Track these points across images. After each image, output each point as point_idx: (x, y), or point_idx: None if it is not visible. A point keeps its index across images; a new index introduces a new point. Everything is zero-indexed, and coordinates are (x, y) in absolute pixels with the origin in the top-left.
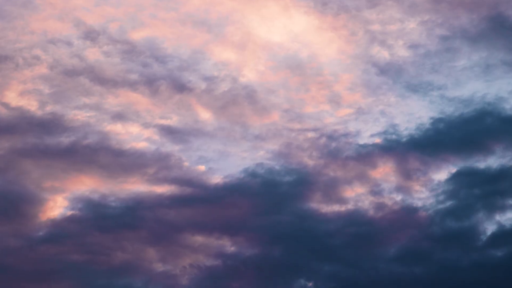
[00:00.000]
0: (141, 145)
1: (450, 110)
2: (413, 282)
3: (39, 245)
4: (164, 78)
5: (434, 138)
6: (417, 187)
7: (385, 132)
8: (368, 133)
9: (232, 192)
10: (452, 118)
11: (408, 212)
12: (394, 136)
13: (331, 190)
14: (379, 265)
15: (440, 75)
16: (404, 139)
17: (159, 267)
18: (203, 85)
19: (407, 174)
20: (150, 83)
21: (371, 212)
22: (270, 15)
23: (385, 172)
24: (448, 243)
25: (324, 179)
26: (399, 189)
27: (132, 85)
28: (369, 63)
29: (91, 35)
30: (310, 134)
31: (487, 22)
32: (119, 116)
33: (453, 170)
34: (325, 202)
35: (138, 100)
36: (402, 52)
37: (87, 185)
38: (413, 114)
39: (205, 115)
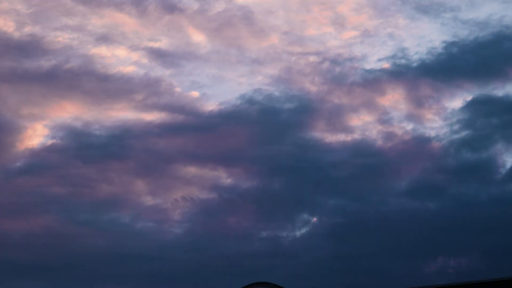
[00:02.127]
0: (129, 69)
1: (464, 33)
2: (426, 218)
3: (17, 177)
4: None
5: (447, 63)
6: (429, 115)
7: (393, 57)
8: (375, 58)
9: (228, 120)
10: (467, 42)
11: (420, 142)
12: (403, 61)
13: (335, 118)
14: (388, 199)
15: None
16: (415, 64)
17: (148, 200)
18: (195, 5)
19: (418, 102)
20: (137, 2)
21: (379, 142)
22: None
23: (394, 99)
24: (464, 176)
25: (328, 107)
26: (409, 117)
27: (118, 5)
28: None
29: None
30: (312, 58)
31: None
32: (104, 38)
33: (469, 97)
34: (329, 131)
35: (125, 20)
36: None
37: (69, 112)
38: (424, 38)
39: (198, 38)
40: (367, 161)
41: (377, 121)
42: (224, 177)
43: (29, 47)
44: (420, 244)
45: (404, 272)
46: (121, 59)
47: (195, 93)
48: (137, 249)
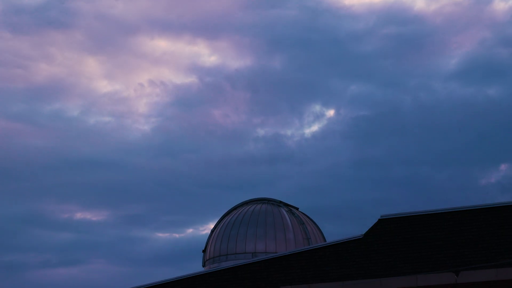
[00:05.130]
0: None
1: None
2: (484, 109)
3: None
4: None
5: None
6: None
7: None
8: None
9: None
10: None
11: (476, 3)
12: None
13: None
14: (432, 83)
15: None
16: None
17: (104, 86)
18: None
19: None
20: None
21: (419, 4)
22: None
23: None
24: None
25: None
26: None
27: None
28: None
29: None
30: None
31: None
32: None
33: None
34: None
35: None
36: None
37: None
38: None
39: None
40: (403, 31)
41: None
42: (206, 54)
43: None
44: (475, 146)
45: (453, 185)
46: None
47: None
48: (90, 153)
